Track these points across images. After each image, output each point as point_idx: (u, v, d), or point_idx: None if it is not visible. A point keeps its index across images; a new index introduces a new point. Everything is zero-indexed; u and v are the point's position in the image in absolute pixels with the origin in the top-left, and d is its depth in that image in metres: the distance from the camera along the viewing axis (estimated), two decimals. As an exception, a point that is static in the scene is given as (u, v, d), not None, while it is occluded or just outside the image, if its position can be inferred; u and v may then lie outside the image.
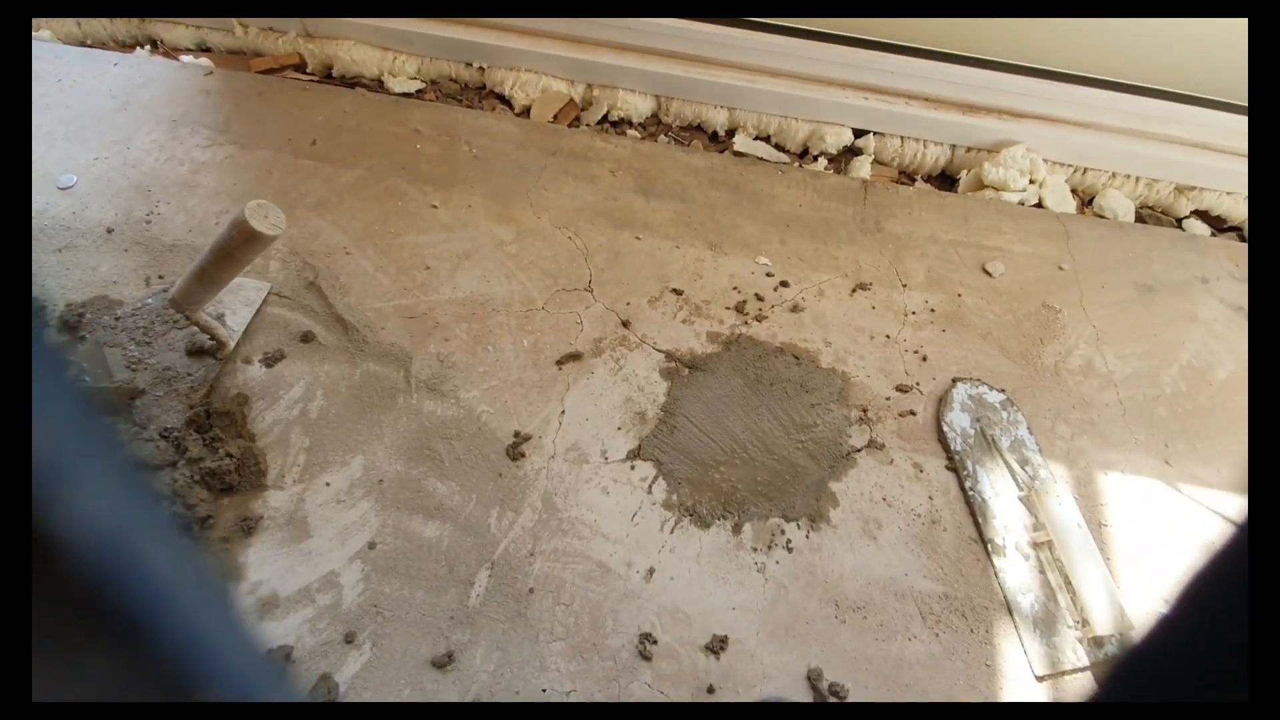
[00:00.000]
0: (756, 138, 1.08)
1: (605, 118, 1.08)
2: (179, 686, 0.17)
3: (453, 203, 0.93)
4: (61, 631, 0.15)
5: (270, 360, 0.77)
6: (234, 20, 1.06)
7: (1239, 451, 0.82)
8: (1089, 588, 0.66)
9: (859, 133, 1.06)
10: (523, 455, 0.74)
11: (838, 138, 1.05)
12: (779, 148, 1.08)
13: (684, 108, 1.07)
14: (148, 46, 1.10)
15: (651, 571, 0.68)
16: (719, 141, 1.09)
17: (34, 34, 1.10)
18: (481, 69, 1.07)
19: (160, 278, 0.82)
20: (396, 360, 0.79)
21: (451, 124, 1.01)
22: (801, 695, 0.63)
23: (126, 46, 1.12)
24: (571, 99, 1.07)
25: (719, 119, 1.07)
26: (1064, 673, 0.66)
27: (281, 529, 0.68)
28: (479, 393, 0.78)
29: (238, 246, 0.58)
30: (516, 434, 0.75)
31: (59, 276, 0.82)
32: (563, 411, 0.77)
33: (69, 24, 1.10)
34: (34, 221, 0.86)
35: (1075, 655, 0.66)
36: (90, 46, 1.11)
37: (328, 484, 0.71)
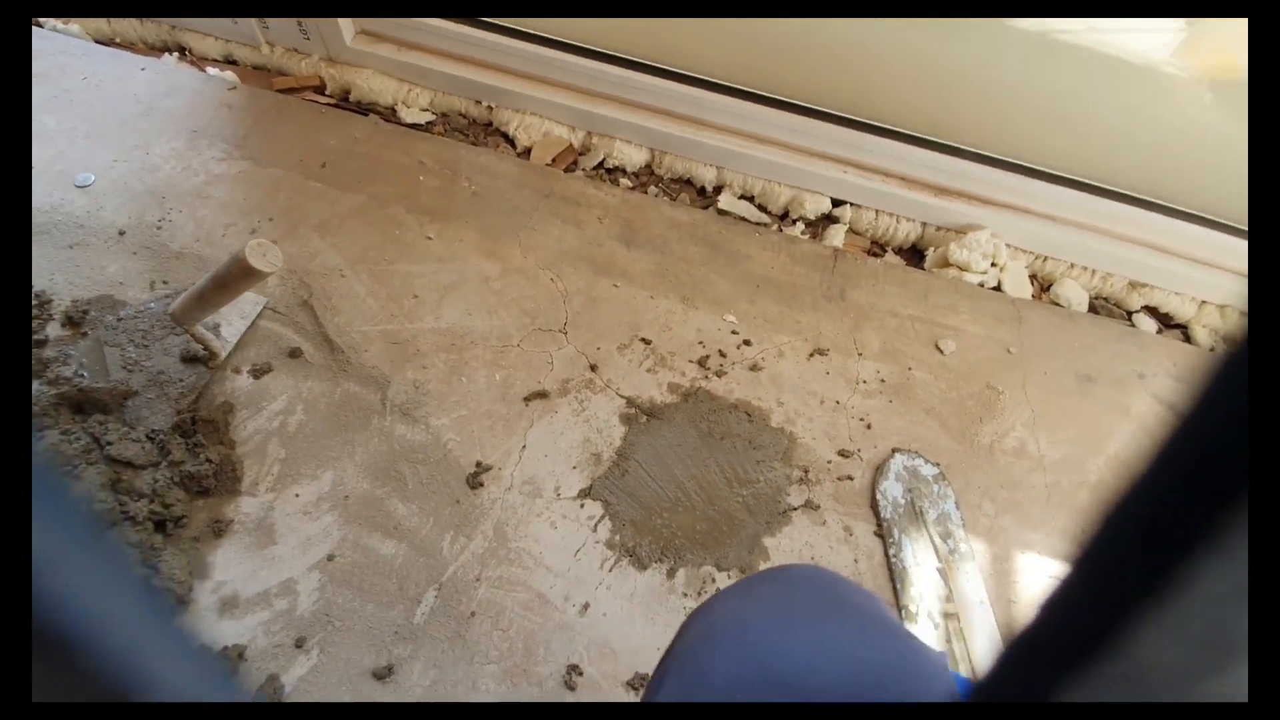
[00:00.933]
0: (741, 197, 1.15)
1: (601, 164, 1.14)
2: (116, 694, 0.17)
3: (446, 235, 0.99)
4: None
5: (258, 372, 0.83)
6: (262, 39, 1.13)
7: (1151, 543, 0.88)
8: (980, 662, 0.72)
9: (837, 202, 1.13)
10: (481, 485, 0.80)
11: (817, 205, 1.12)
12: (761, 208, 1.15)
13: (676, 162, 1.13)
14: (176, 53, 1.17)
15: (586, 606, 0.74)
16: (705, 196, 1.16)
17: (64, 27, 1.16)
18: (490, 108, 1.14)
19: (165, 283, 0.88)
20: (375, 383, 0.85)
21: (455, 159, 1.07)
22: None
23: (155, 50, 1.18)
24: (571, 144, 1.14)
25: (708, 175, 1.14)
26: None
27: (250, 534, 0.74)
28: (448, 421, 0.84)
29: (235, 278, 0.64)
30: (478, 464, 0.81)
31: (68, 272, 0.88)
32: (524, 446, 0.83)
33: (99, 21, 1.17)
34: (49, 216, 0.92)
35: (968, 722, 0.72)
36: (119, 46, 1.18)
37: (297, 495, 0.76)
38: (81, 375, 0.76)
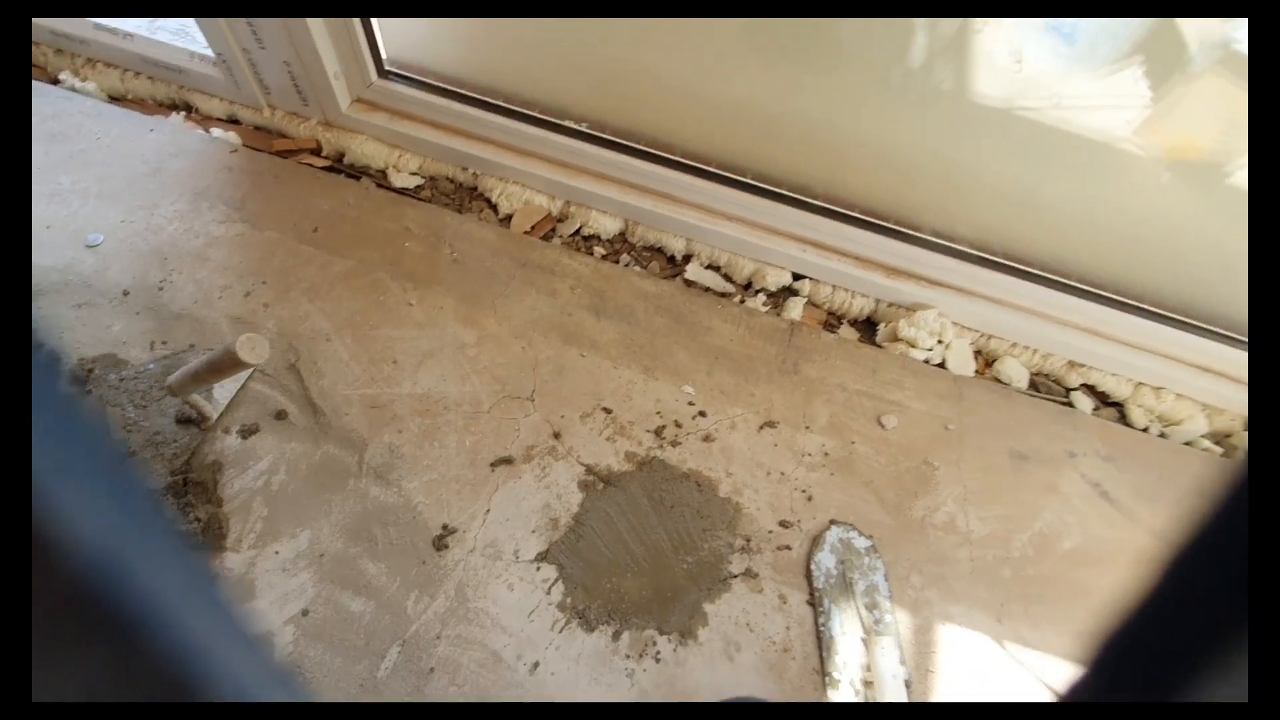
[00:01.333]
0: (708, 267, 1.23)
1: (577, 231, 1.23)
2: (179, 687, 0.17)
3: (427, 302, 1.07)
4: (56, 634, 0.15)
5: (246, 433, 0.91)
6: (264, 102, 1.21)
7: (1066, 618, 0.96)
8: (893, 731, 0.80)
9: (797, 275, 1.21)
10: (446, 547, 0.88)
11: (778, 278, 1.20)
12: (727, 278, 1.23)
13: (647, 232, 1.22)
14: (183, 112, 1.25)
15: (536, 665, 0.82)
16: (675, 264, 1.24)
17: (82, 85, 1.24)
18: (475, 174, 1.22)
19: (164, 343, 0.96)
20: (353, 446, 0.93)
21: (440, 226, 1.15)
22: (640, 790, 0.76)
23: (164, 106, 1.27)
24: (550, 213, 1.22)
25: (677, 245, 1.22)
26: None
27: (232, 588, 0.81)
28: (419, 484, 0.92)
29: (226, 365, 0.72)
30: (444, 526, 0.89)
31: (75, 330, 0.96)
32: (488, 510, 0.91)
33: (113, 78, 1.25)
34: (62, 275, 1.00)
35: (877, 785, 0.80)
36: (131, 102, 1.26)
37: (277, 552, 0.84)
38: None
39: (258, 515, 0.86)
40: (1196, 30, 1.05)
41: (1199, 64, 1.07)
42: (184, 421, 0.89)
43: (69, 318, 0.97)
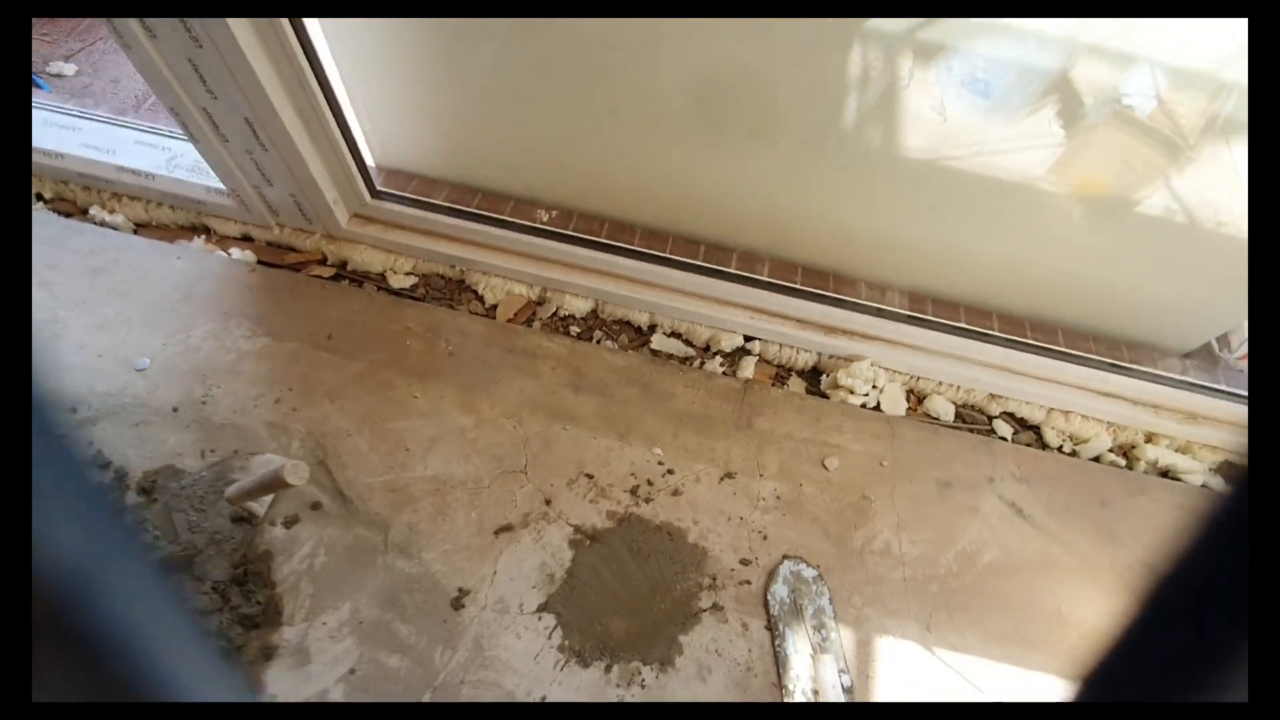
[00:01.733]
0: (670, 334, 1.42)
1: (555, 313, 1.42)
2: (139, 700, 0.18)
3: (430, 393, 1.27)
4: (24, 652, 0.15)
5: (288, 523, 1.11)
6: (272, 222, 1.40)
7: (985, 622, 1.15)
8: (835, 730, 0.99)
9: (748, 337, 1.41)
10: (463, 606, 1.07)
11: (732, 341, 1.40)
12: (688, 343, 1.43)
13: (616, 309, 1.41)
14: (203, 235, 1.44)
15: (544, 699, 1.01)
16: (642, 334, 1.43)
17: (110, 218, 1.43)
18: (462, 271, 1.42)
19: (213, 451, 1.16)
20: (379, 526, 1.12)
21: (435, 322, 1.35)
22: (634, 795, 0.96)
23: (185, 230, 1.46)
24: (529, 299, 1.42)
25: (642, 319, 1.42)
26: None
27: (291, 656, 1.01)
28: (436, 554, 1.11)
29: (273, 485, 0.91)
30: (460, 589, 1.08)
31: (136, 447, 1.15)
32: (495, 572, 1.11)
33: (138, 209, 1.44)
34: (118, 399, 1.19)
35: (827, 775, 0.99)
36: (155, 229, 1.45)
37: (324, 623, 1.04)
38: (159, 541, 1.04)
39: (305, 593, 1.05)
40: (1092, 85, 1.24)
41: (1094, 117, 1.27)
42: (238, 520, 1.08)
43: (130, 436, 1.16)
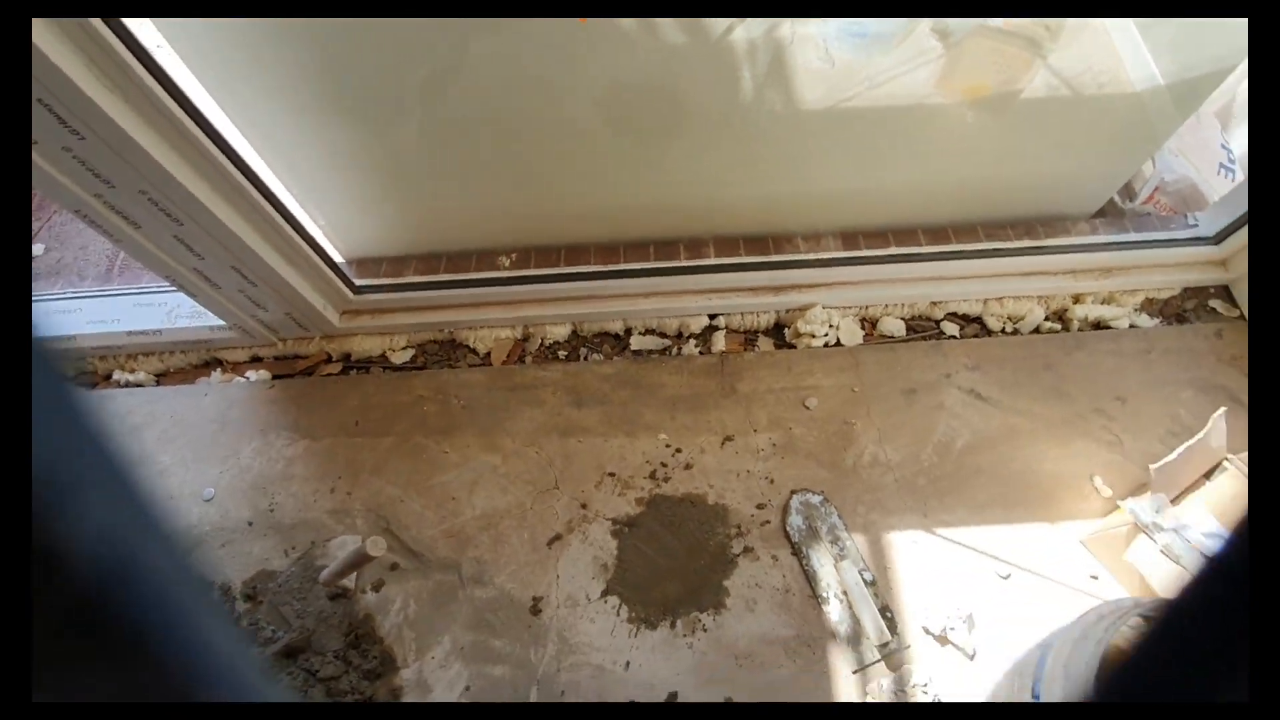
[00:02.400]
0: (645, 333, 1.62)
1: (541, 344, 1.62)
2: (182, 692, 0.19)
3: (456, 446, 1.47)
4: (61, 641, 0.15)
5: (376, 588, 1.31)
6: (274, 338, 1.59)
7: (970, 497, 1.37)
8: (866, 618, 1.21)
9: (712, 316, 1.61)
10: (540, 611, 1.28)
11: (699, 323, 1.60)
12: (662, 336, 1.62)
13: (593, 325, 1.61)
14: (219, 368, 1.63)
15: (628, 664, 1.23)
16: (621, 339, 1.63)
17: (133, 377, 1.62)
18: (451, 332, 1.61)
19: (293, 548, 1.36)
20: (451, 568, 1.33)
21: (442, 384, 1.55)
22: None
23: (201, 367, 1.65)
24: (516, 339, 1.61)
25: (617, 326, 1.61)
26: (865, 666, 1.21)
27: (414, 691, 1.22)
28: (505, 576, 1.32)
29: (358, 561, 1.12)
30: (533, 598, 1.30)
31: (230, 565, 1.35)
32: (557, 576, 1.32)
33: (154, 362, 1.63)
34: (199, 529, 1.39)
35: (870, 655, 1.22)
36: (175, 374, 1.64)
37: (432, 657, 1.25)
38: (277, 634, 1.24)
39: (409, 638, 1.27)
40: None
41: (960, 30, 1.44)
42: (335, 597, 1.29)
43: (220, 556, 1.36)
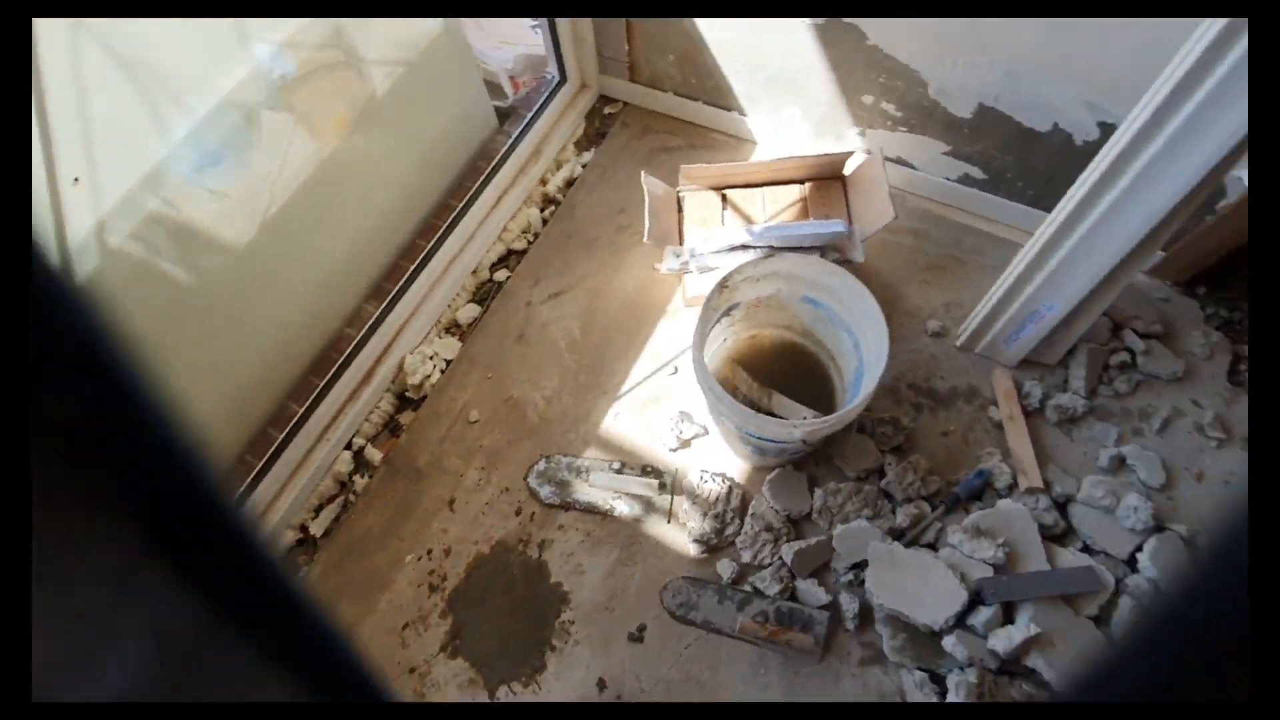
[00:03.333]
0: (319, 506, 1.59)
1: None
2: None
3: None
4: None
5: None
6: None
7: (617, 354, 1.66)
8: (636, 487, 1.45)
9: (349, 444, 1.63)
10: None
11: (346, 463, 1.61)
12: (340, 484, 1.60)
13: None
14: None
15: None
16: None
17: None
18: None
19: None
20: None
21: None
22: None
23: None
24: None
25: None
26: (670, 512, 1.45)
27: None
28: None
29: None
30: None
31: None
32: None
33: None
34: None
35: (663, 502, 1.46)
36: None
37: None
38: None
39: None
40: (252, 94, 1.49)
41: (273, 102, 1.54)
42: None
43: None
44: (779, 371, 1.56)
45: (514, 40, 2.15)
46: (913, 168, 1.78)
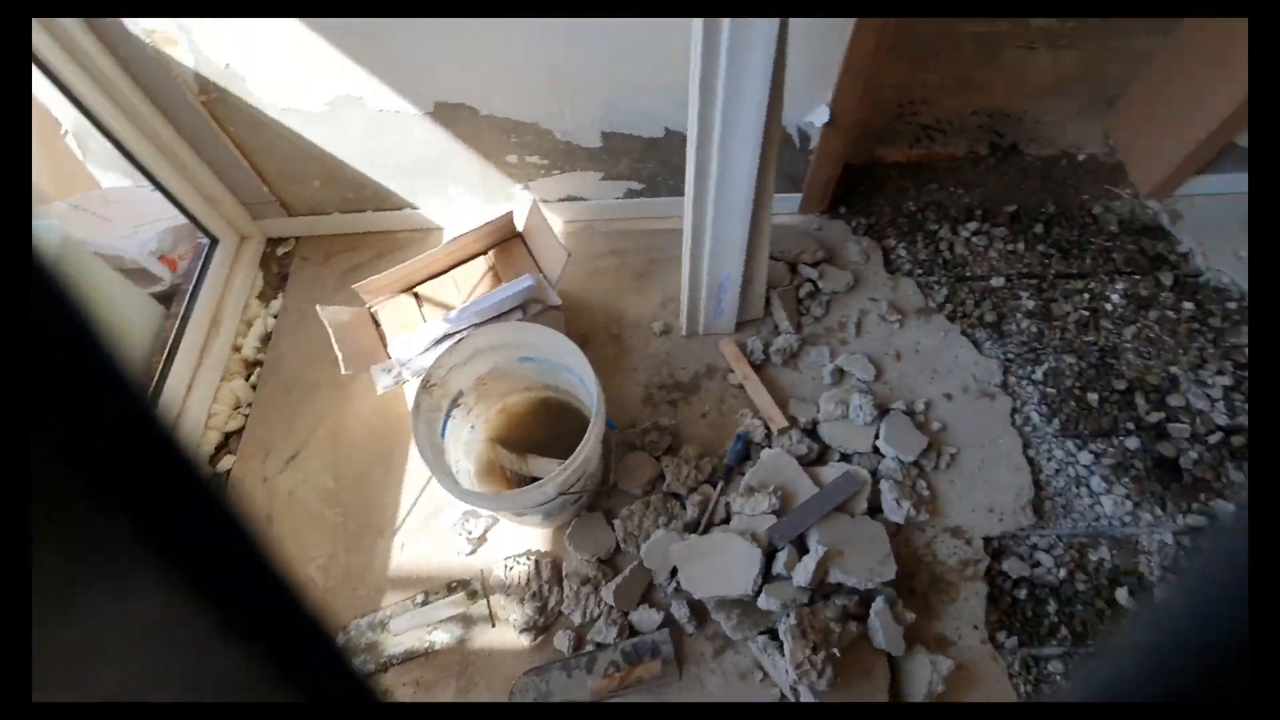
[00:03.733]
0: None
1: None
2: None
3: None
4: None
5: None
6: None
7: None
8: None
9: None
10: None
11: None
12: None
13: None
14: None
15: None
16: None
17: None
18: None
19: None
20: None
21: None
22: None
23: None
24: None
25: None
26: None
27: None
28: None
29: None
30: None
31: None
32: None
33: None
34: None
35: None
36: None
37: None
38: None
39: None
40: None
41: None
42: None
43: None
44: (542, 429, 1.59)
45: (148, 219, 1.99)
46: (585, 199, 1.93)
